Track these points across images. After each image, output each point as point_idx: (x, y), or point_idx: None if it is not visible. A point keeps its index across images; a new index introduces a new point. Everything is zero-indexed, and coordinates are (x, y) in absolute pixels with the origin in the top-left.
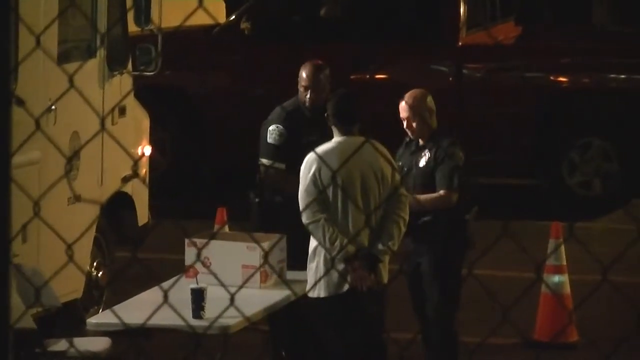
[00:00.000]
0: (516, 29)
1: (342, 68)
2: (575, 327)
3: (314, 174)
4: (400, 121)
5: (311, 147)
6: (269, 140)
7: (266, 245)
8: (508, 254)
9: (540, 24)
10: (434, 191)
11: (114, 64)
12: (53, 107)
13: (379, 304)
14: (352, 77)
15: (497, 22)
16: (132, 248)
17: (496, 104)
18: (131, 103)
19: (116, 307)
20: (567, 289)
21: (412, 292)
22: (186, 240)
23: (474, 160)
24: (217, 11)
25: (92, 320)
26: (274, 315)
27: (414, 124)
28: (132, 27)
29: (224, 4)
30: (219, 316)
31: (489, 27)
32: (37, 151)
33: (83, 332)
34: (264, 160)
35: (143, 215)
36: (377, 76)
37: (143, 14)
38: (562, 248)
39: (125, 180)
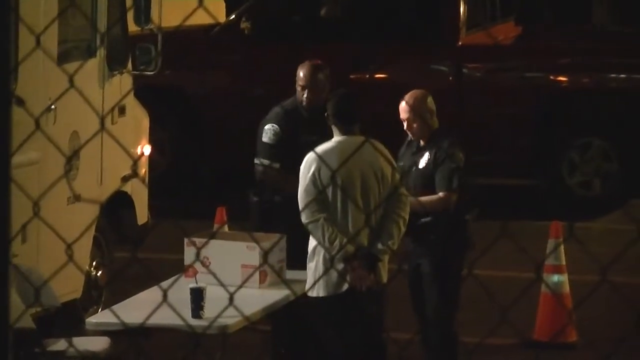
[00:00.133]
0: (516, 29)
1: (342, 68)
2: (575, 327)
3: (313, 174)
4: (400, 121)
5: (309, 147)
6: (264, 139)
7: (266, 245)
8: (507, 254)
9: (540, 24)
10: (433, 192)
11: (113, 64)
12: (53, 106)
13: (378, 304)
14: (352, 77)
15: (497, 22)
16: (132, 248)
17: (496, 104)
18: (131, 103)
19: (115, 307)
20: (567, 289)
21: (412, 292)
22: (185, 240)
23: (473, 160)
24: (217, 11)
25: (92, 319)
26: (273, 314)
27: (415, 125)
28: (132, 27)
29: (224, 4)
30: (218, 316)
31: (488, 27)
32: (37, 151)
33: (82, 331)
34: (258, 160)
35: (142, 214)
36: (377, 76)
37: (143, 14)
38: (562, 248)
39: (125, 179)
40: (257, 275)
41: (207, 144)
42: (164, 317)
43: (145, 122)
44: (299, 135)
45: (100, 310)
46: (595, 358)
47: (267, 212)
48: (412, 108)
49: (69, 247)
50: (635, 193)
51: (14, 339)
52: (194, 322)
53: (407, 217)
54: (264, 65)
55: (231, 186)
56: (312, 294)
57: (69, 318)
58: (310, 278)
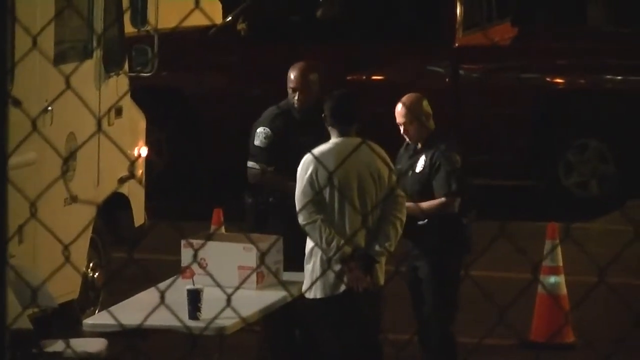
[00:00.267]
0: (512, 29)
1: (339, 69)
2: (572, 328)
3: (310, 175)
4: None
5: (302, 149)
6: (256, 142)
7: (262, 246)
8: (504, 255)
9: (536, 24)
10: (430, 197)
11: (110, 65)
12: (49, 108)
13: (375, 305)
14: (349, 77)
15: (493, 23)
16: (129, 249)
17: (493, 104)
18: (128, 104)
19: (112, 308)
20: (564, 290)
21: (411, 294)
22: (182, 241)
23: (471, 161)
24: (213, 12)
25: (89, 321)
26: (269, 316)
27: (411, 129)
28: (129, 28)
29: (220, 5)
30: (216, 317)
31: (485, 28)
32: (34, 152)
33: (79, 333)
34: (251, 163)
35: (139, 216)
36: (375, 77)
37: (139, 15)
38: (559, 249)
39: (122, 181)
40: (254, 276)
41: (204, 145)
42: (161, 319)
43: (142, 124)
44: (292, 137)
45: (97, 311)
46: (592, 359)
47: (262, 214)
48: (408, 112)
49: (66, 248)
50: (632, 194)
51: (10, 339)
52: (191, 324)
53: (404, 218)
54: (261, 66)
55: (228, 187)
56: (310, 295)
57: (66, 319)
58: (307, 279)
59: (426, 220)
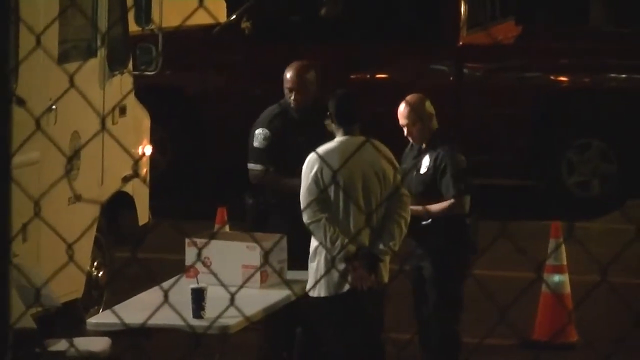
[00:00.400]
0: (516, 28)
1: (342, 68)
2: (575, 327)
3: (315, 174)
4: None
5: (300, 148)
6: (255, 144)
7: (266, 245)
8: (506, 255)
9: (539, 24)
10: (434, 197)
11: (114, 64)
12: (53, 107)
13: (379, 304)
14: (352, 77)
15: (496, 22)
16: (132, 248)
17: (496, 103)
18: (132, 103)
19: (116, 307)
20: (567, 289)
21: (415, 293)
22: (186, 240)
23: (472, 161)
24: (217, 11)
25: (92, 320)
26: (273, 315)
27: (414, 130)
28: (133, 27)
29: (224, 4)
30: (219, 316)
31: (488, 27)
32: (38, 151)
33: (83, 332)
34: (251, 164)
35: (144, 215)
36: (378, 76)
37: (143, 14)
38: (563, 247)
39: (126, 180)
40: (257, 275)
41: (208, 143)
42: (165, 318)
43: (146, 122)
44: (290, 137)
45: (101, 310)
46: (595, 358)
47: (263, 214)
48: (411, 113)
49: (69, 247)
50: (633, 193)
51: (14, 338)
52: (195, 323)
53: (408, 217)
54: (265, 65)
55: (232, 186)
56: (314, 293)
57: (70, 318)
58: (311, 278)
59: (430, 220)
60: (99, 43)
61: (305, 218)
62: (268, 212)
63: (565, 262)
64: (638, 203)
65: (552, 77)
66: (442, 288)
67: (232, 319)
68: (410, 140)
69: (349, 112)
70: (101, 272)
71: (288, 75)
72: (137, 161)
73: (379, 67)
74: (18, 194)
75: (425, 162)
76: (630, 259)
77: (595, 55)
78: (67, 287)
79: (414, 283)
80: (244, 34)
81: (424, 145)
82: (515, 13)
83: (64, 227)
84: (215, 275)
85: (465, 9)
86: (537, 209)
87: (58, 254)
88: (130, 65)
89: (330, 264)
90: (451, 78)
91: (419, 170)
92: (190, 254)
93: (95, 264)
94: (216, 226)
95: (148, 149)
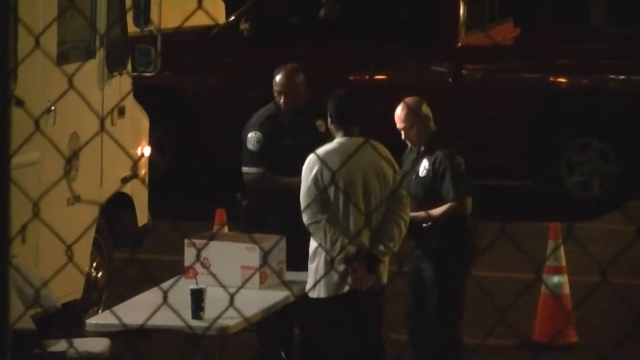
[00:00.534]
0: (515, 30)
1: (340, 69)
2: (574, 328)
3: (315, 175)
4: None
5: (292, 150)
6: (249, 147)
7: (265, 246)
8: (506, 256)
9: (538, 25)
10: (434, 201)
11: (113, 65)
12: (52, 108)
13: (378, 305)
14: (351, 78)
15: (495, 23)
16: (131, 249)
17: (495, 104)
18: (131, 104)
19: (115, 308)
20: (567, 290)
21: (411, 294)
22: (186, 241)
23: (471, 161)
24: (216, 12)
25: (92, 321)
26: (269, 315)
27: (411, 134)
28: (132, 28)
29: (223, 5)
30: (219, 317)
31: (487, 28)
32: (37, 152)
33: (82, 332)
34: (246, 168)
35: (143, 216)
36: (377, 77)
37: (142, 15)
38: (562, 248)
39: (125, 180)
40: (257, 276)
41: (207, 144)
42: (164, 318)
43: (145, 123)
44: (282, 140)
45: (100, 311)
46: (594, 359)
47: (260, 215)
48: (408, 116)
49: (68, 248)
50: (633, 194)
51: (13, 339)
52: (194, 323)
53: (407, 218)
54: (264, 66)
55: (231, 187)
56: (313, 294)
57: (69, 319)
58: (311, 279)
59: (430, 222)
60: (97, 44)
61: (305, 219)
62: (263, 213)
63: (564, 263)
64: (638, 203)
65: (551, 78)
66: (443, 290)
67: (231, 319)
68: (409, 144)
69: (349, 113)
70: (100, 273)
71: (277, 78)
72: (136, 162)
73: (377, 68)
74: (17, 195)
75: (424, 165)
76: (631, 259)
77: (595, 55)
78: (66, 288)
79: (411, 284)
80: (242, 35)
81: (422, 148)
82: (514, 14)
83: (63, 228)
84: (214, 276)
85: (463, 10)
86: (536, 209)
87: (57, 255)
88: (129, 66)
89: (330, 265)
90: (450, 79)
91: (418, 173)
92: (189, 255)
93: (95, 264)
94: (215, 227)
95: (147, 150)
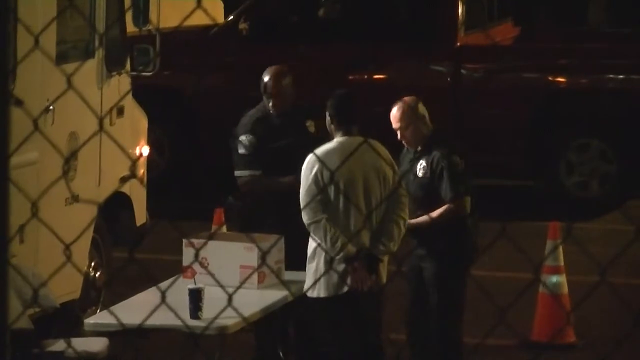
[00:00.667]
0: (514, 29)
1: (339, 68)
2: (573, 327)
3: (315, 174)
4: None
5: (283, 152)
6: (240, 150)
7: (264, 245)
8: (505, 255)
9: (537, 24)
10: (434, 202)
11: (112, 65)
12: (51, 107)
13: (378, 305)
14: (350, 77)
15: (495, 22)
16: (130, 248)
17: (494, 104)
18: (129, 103)
19: (114, 308)
20: (565, 289)
21: (412, 296)
22: (184, 241)
23: (471, 161)
24: (215, 11)
25: (90, 320)
26: (270, 315)
27: (407, 134)
28: (131, 28)
29: (222, 5)
30: (217, 316)
31: (487, 27)
32: (35, 152)
33: (81, 332)
34: (238, 172)
35: (141, 215)
36: (376, 76)
37: (141, 15)
38: (560, 249)
39: (124, 180)
40: (255, 276)
41: (206, 144)
42: (163, 318)
43: (144, 123)
44: (273, 141)
45: (98, 311)
46: (594, 359)
47: (252, 217)
48: (403, 117)
49: (67, 247)
50: (632, 194)
51: (12, 339)
52: (193, 323)
53: (407, 217)
54: (263, 65)
55: (229, 187)
56: (313, 294)
57: (68, 319)
58: (310, 279)
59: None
60: (96, 44)
61: (306, 218)
62: (257, 215)
63: (562, 263)
64: (638, 203)
65: (550, 78)
66: (444, 290)
67: (229, 319)
68: (405, 144)
69: (348, 113)
70: (98, 273)
71: (265, 80)
72: (134, 162)
73: (376, 68)
74: (16, 195)
75: (422, 165)
76: (630, 259)
77: (594, 55)
78: (65, 287)
79: (411, 284)
80: (241, 35)
81: (419, 148)
82: (513, 14)
83: (61, 227)
84: (212, 275)
85: (463, 9)
86: (535, 209)
87: (56, 254)
88: (128, 66)
89: (329, 265)
90: (449, 79)
91: (416, 174)
92: (187, 255)
93: (93, 264)
94: (214, 227)
95: (145, 150)
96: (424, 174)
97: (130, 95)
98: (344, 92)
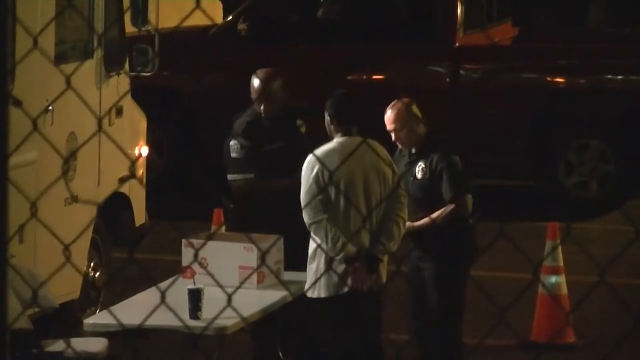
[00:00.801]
0: (513, 30)
1: (338, 69)
2: (573, 328)
3: (316, 174)
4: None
5: (274, 155)
6: (232, 155)
7: (263, 246)
8: (505, 256)
9: (538, 25)
10: (435, 203)
11: (111, 65)
12: (50, 107)
13: (378, 304)
14: (349, 77)
15: (494, 23)
16: (129, 249)
17: (493, 104)
18: (128, 104)
19: (113, 308)
20: (564, 290)
21: (413, 296)
22: (183, 241)
23: (470, 161)
24: (214, 12)
25: (89, 320)
26: (269, 315)
27: (402, 135)
28: (129, 28)
29: (221, 5)
30: (216, 317)
31: (486, 28)
32: (35, 152)
33: (80, 332)
34: (231, 176)
35: (140, 215)
36: (375, 77)
37: (140, 15)
38: (559, 249)
39: (123, 180)
40: (254, 276)
41: (205, 144)
42: (162, 318)
43: (143, 123)
44: (265, 145)
45: (98, 311)
46: (593, 359)
47: (248, 218)
48: (397, 119)
49: (66, 248)
50: (632, 194)
51: (11, 339)
52: (192, 323)
53: (406, 217)
54: (262, 66)
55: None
56: (313, 294)
57: (67, 319)
58: (310, 279)
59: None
60: (95, 44)
61: (307, 218)
62: (253, 216)
63: (561, 263)
64: (637, 203)
65: (549, 78)
66: (444, 290)
67: (229, 319)
68: (399, 145)
69: (348, 113)
70: (98, 273)
71: (255, 84)
72: (133, 162)
73: (376, 68)
74: (15, 195)
75: (421, 167)
76: (630, 259)
77: (593, 56)
78: (64, 288)
79: (411, 283)
80: (240, 35)
81: (413, 150)
82: (512, 14)
83: (60, 228)
84: (212, 276)
85: (462, 10)
86: (535, 209)
87: (55, 254)
88: (126, 66)
89: (330, 265)
90: (448, 79)
91: (415, 176)
92: (187, 255)
93: (92, 264)
94: (213, 227)
95: (145, 150)
96: (423, 175)
97: (129, 96)
98: (344, 92)
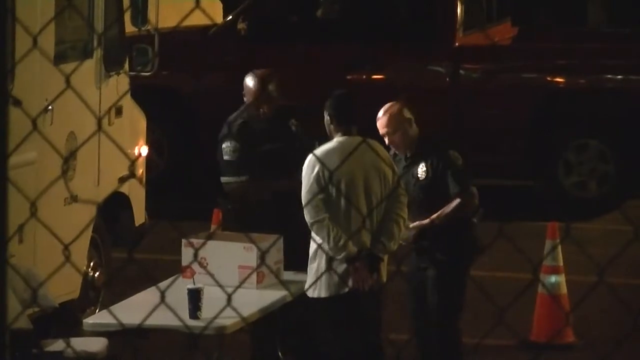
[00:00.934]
0: (512, 30)
1: (338, 68)
2: (572, 328)
3: (317, 173)
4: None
5: (268, 156)
6: (225, 157)
7: (263, 245)
8: (505, 256)
9: (537, 25)
10: (440, 201)
11: (110, 65)
12: (50, 107)
13: (378, 304)
14: (348, 77)
15: (493, 23)
16: (129, 248)
17: (492, 104)
18: (128, 103)
19: (113, 308)
20: (564, 290)
21: (413, 296)
22: (183, 241)
23: (470, 161)
24: (214, 12)
25: (89, 320)
26: (269, 315)
27: (395, 138)
28: (129, 28)
29: (220, 5)
30: (216, 316)
31: (485, 28)
32: (34, 151)
33: (80, 332)
34: (225, 178)
35: (140, 215)
36: (375, 77)
37: (140, 15)
38: (559, 249)
39: (122, 180)
40: (254, 276)
41: (205, 144)
42: (162, 318)
43: (143, 123)
44: (259, 146)
45: (97, 311)
46: (593, 359)
47: (245, 219)
48: (390, 122)
49: (66, 247)
50: (631, 194)
51: (11, 339)
52: (192, 323)
53: (406, 216)
54: (261, 65)
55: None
56: (313, 294)
57: (67, 319)
58: (311, 279)
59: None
60: (95, 44)
61: (308, 218)
62: (250, 217)
63: (561, 263)
64: (637, 203)
65: (549, 78)
66: (444, 290)
67: (228, 319)
68: (393, 149)
69: (347, 113)
70: (97, 273)
71: (249, 86)
72: (133, 162)
73: (376, 68)
74: (14, 195)
75: (421, 169)
76: (630, 259)
77: (593, 56)
78: (64, 287)
79: (411, 283)
80: (240, 35)
81: (409, 154)
82: (512, 14)
83: (60, 227)
84: (212, 275)
85: (461, 10)
86: (534, 209)
87: (54, 254)
88: (126, 66)
89: (330, 265)
90: (447, 79)
91: (417, 177)
92: (186, 255)
93: (92, 264)
94: (213, 227)
95: (144, 150)
96: (425, 176)
97: (129, 95)
98: (343, 92)
